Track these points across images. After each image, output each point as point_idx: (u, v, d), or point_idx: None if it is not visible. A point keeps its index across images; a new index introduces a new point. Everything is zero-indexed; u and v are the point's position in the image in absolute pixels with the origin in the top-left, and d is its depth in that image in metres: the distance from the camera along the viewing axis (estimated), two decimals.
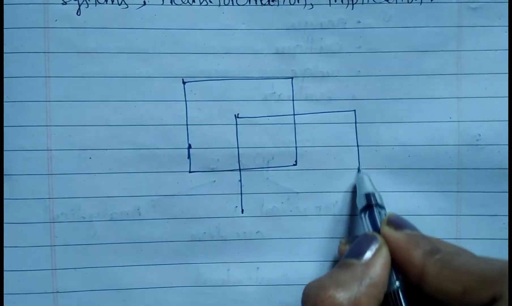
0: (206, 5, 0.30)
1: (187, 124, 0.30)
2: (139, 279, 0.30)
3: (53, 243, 0.29)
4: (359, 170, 0.30)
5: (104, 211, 0.30)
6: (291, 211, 0.30)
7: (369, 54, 0.30)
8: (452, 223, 0.30)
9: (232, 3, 0.30)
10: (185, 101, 0.30)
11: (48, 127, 0.29)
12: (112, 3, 0.29)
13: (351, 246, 0.25)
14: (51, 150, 0.29)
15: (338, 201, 0.30)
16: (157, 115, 0.30)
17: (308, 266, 0.30)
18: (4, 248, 0.29)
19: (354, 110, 0.30)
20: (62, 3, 0.29)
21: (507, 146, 0.30)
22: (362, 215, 0.28)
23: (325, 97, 0.30)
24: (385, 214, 0.27)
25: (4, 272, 0.29)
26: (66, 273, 0.29)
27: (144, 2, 0.29)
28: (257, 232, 0.30)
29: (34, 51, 0.29)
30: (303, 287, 0.29)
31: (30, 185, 0.29)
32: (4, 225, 0.29)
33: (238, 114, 0.30)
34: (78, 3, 0.29)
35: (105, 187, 0.29)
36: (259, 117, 0.30)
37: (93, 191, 0.29)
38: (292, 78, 0.30)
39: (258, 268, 0.30)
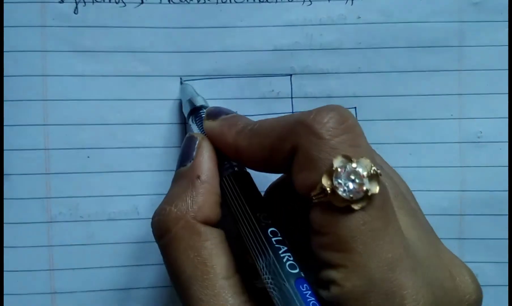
0: (203, 3, 0.30)
1: (185, 123, 0.30)
2: (138, 279, 0.30)
3: (51, 243, 0.30)
4: (181, 82, 0.29)
5: (102, 210, 0.30)
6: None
7: (369, 50, 0.30)
8: (456, 223, 0.30)
9: (230, 0, 0.30)
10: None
11: (46, 126, 0.29)
12: (110, 2, 0.29)
13: (178, 156, 0.24)
14: (48, 149, 0.29)
15: None
16: (155, 114, 0.30)
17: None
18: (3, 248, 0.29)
19: (355, 107, 0.30)
20: (59, 2, 0.29)
21: (508, 144, 0.30)
22: (190, 122, 0.27)
23: (325, 94, 0.30)
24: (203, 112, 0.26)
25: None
26: (64, 274, 0.30)
27: (142, 0, 0.29)
28: None
29: (31, 50, 0.29)
30: None
31: (27, 184, 0.29)
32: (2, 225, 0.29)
33: (236, 112, 0.30)
34: (76, 2, 0.29)
35: (103, 186, 0.30)
36: (257, 115, 0.30)
37: (91, 190, 0.30)
38: (291, 75, 0.30)
39: None
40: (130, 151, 0.30)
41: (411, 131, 0.30)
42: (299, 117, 0.20)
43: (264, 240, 0.21)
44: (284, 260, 0.20)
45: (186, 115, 0.28)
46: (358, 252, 0.18)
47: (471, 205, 0.30)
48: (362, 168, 0.18)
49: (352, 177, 0.18)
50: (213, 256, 0.21)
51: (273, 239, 0.21)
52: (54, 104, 0.29)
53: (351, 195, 0.18)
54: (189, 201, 0.21)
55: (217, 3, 0.30)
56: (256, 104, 0.30)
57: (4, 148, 0.29)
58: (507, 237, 0.30)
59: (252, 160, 0.22)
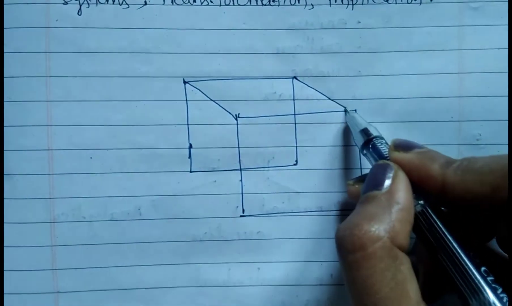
0: (207, 5, 0.31)
1: (188, 124, 0.31)
2: (140, 279, 0.31)
3: (54, 243, 0.30)
4: (346, 111, 0.31)
5: (104, 211, 0.31)
6: (292, 211, 0.31)
7: (369, 54, 0.31)
8: None
9: (233, 3, 0.31)
10: (186, 101, 0.31)
11: (49, 127, 0.30)
12: (113, 3, 0.30)
13: (367, 179, 0.25)
14: (51, 150, 0.30)
15: (340, 201, 0.31)
16: (158, 115, 0.31)
17: (310, 266, 0.31)
18: (5, 248, 0.30)
19: (355, 110, 0.31)
20: (63, 3, 0.30)
21: (507, 146, 0.31)
22: (365, 151, 0.28)
23: (325, 97, 0.31)
24: (386, 143, 0.28)
25: (5, 272, 0.30)
26: (66, 273, 0.31)
27: (145, 2, 0.30)
28: (258, 232, 0.31)
29: (35, 51, 0.30)
30: (305, 287, 0.31)
31: (30, 185, 0.30)
32: (5, 225, 0.30)
33: (238, 114, 0.31)
34: (79, 3, 0.30)
35: (106, 187, 0.31)
36: (259, 117, 0.31)
37: (93, 191, 0.31)
38: (293, 78, 0.31)
39: (259, 268, 0.31)
40: (133, 152, 0.31)
41: (410, 134, 0.31)
42: None
43: (480, 279, 0.21)
44: (504, 300, 0.21)
45: (358, 145, 0.29)
46: None
47: None
48: None
49: None
50: (407, 280, 0.21)
51: (488, 278, 0.21)
52: (57, 105, 0.30)
53: None
54: (388, 225, 0.22)
55: (220, 5, 0.31)
56: (259, 106, 0.31)
57: (8, 148, 0.30)
58: None
59: (466, 196, 0.23)
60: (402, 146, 0.26)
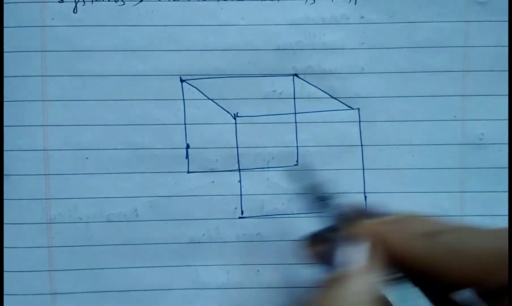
0: (204, 0, 0.30)
1: (185, 123, 0.30)
2: (137, 281, 0.31)
3: (51, 244, 0.31)
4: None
5: (101, 212, 0.31)
6: (292, 212, 0.31)
7: (373, 50, 0.30)
8: None
9: None
10: (183, 99, 0.30)
11: (45, 126, 0.30)
12: (109, 1, 0.30)
13: (333, 255, 0.22)
14: (47, 150, 0.30)
15: (341, 203, 0.31)
16: (154, 114, 0.30)
17: (310, 268, 0.31)
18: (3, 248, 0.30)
19: (358, 109, 0.31)
20: (59, 1, 0.30)
21: (508, 145, 0.31)
22: (318, 207, 0.26)
23: (327, 95, 0.30)
24: (337, 202, 0.25)
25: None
26: (63, 275, 0.31)
27: None
28: (257, 234, 0.31)
29: (30, 50, 0.30)
30: (305, 290, 0.30)
31: (27, 185, 0.30)
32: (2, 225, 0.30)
33: (237, 113, 0.31)
34: (75, 1, 0.30)
35: (102, 187, 0.30)
36: (259, 116, 0.30)
37: (89, 191, 0.31)
38: (293, 75, 0.30)
39: (258, 270, 0.31)
40: (129, 152, 0.30)
41: (414, 133, 0.31)
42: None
43: None
44: None
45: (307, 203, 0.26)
46: None
47: (472, 206, 0.31)
48: None
49: None
50: None
51: None
52: (53, 104, 0.30)
53: None
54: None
55: (218, 0, 0.30)
56: (258, 105, 0.31)
57: (4, 148, 0.30)
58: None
59: (446, 278, 0.20)
60: (368, 213, 0.23)
